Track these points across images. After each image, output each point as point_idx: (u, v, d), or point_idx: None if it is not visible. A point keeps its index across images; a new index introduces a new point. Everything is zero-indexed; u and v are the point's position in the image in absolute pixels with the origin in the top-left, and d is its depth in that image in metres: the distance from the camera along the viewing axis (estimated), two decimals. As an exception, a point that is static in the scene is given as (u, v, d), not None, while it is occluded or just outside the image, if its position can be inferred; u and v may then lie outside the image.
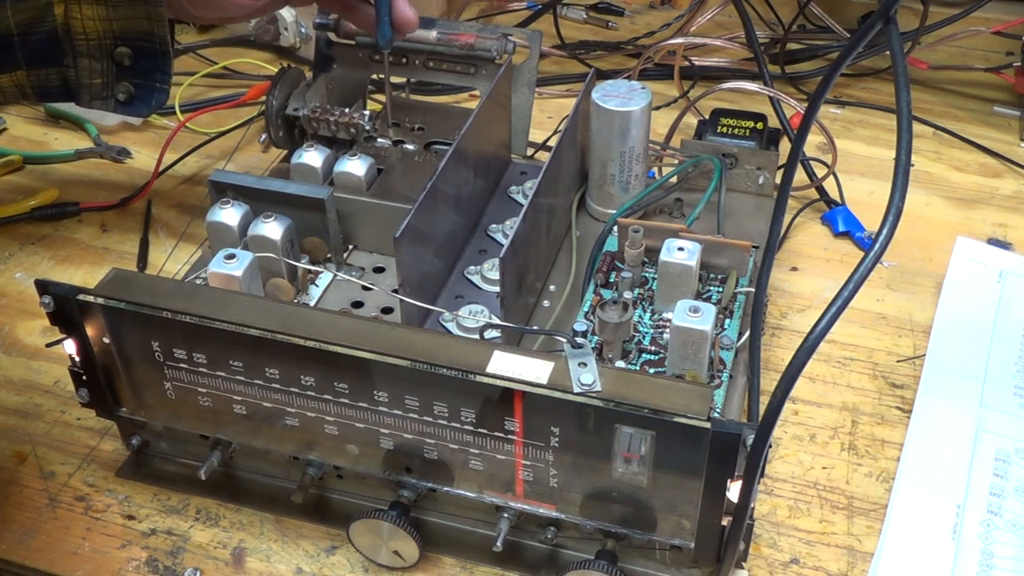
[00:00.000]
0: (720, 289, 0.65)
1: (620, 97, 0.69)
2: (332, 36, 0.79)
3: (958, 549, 0.57)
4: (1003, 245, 0.79)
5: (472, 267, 0.69)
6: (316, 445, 0.56)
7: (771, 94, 0.82)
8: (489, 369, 0.49)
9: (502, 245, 0.62)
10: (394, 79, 0.79)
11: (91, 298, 0.54)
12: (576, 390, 0.48)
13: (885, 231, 0.43)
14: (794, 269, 0.77)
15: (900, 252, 0.78)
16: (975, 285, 0.74)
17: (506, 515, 0.54)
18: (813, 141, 0.90)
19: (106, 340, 0.55)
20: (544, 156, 0.84)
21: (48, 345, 0.58)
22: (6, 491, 0.61)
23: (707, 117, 0.78)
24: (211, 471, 0.58)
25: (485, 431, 0.51)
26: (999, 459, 0.62)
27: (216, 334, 0.52)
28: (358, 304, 0.67)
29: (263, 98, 0.78)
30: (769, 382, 0.65)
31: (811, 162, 0.85)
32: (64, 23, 0.61)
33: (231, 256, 0.61)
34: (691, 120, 0.83)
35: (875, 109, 0.97)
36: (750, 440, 0.45)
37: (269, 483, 0.60)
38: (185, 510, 0.60)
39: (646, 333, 0.62)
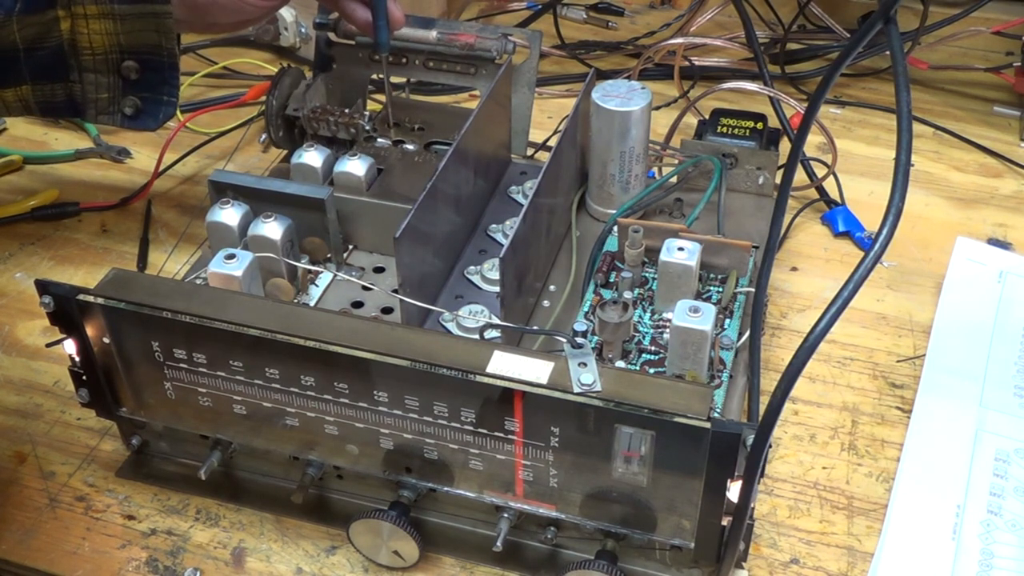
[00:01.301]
0: (720, 289, 0.65)
1: (620, 97, 0.69)
2: (332, 36, 0.79)
3: (958, 549, 0.57)
4: (1003, 245, 0.79)
5: (472, 267, 0.69)
6: (316, 445, 0.56)
7: (771, 94, 0.82)
8: (489, 369, 0.49)
9: (502, 245, 0.62)
10: (394, 79, 0.79)
11: (91, 298, 0.54)
12: (576, 390, 0.48)
13: (885, 231, 0.43)
14: (794, 269, 0.77)
15: (900, 252, 0.78)
16: (975, 285, 0.74)
17: (506, 515, 0.54)
18: (813, 141, 0.90)
19: (106, 340, 0.55)
20: (544, 156, 0.84)
21: (48, 345, 0.58)
22: (6, 491, 0.61)
23: (707, 117, 0.78)
24: (211, 471, 0.58)
25: (485, 431, 0.51)
26: (999, 459, 0.62)
27: (216, 334, 0.52)
28: (358, 304, 0.67)
29: (263, 98, 0.78)
30: (769, 382, 0.65)
31: (811, 162, 0.85)
32: (70, 38, 0.61)
33: (231, 256, 0.61)
34: (691, 120, 0.83)
35: (875, 109, 0.97)
36: (750, 440, 0.45)
37: (269, 483, 0.60)
38: (185, 510, 0.60)
39: (646, 333, 0.62)
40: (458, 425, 0.51)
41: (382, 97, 0.81)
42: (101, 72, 0.63)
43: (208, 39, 1.04)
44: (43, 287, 0.54)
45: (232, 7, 0.65)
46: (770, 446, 0.51)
